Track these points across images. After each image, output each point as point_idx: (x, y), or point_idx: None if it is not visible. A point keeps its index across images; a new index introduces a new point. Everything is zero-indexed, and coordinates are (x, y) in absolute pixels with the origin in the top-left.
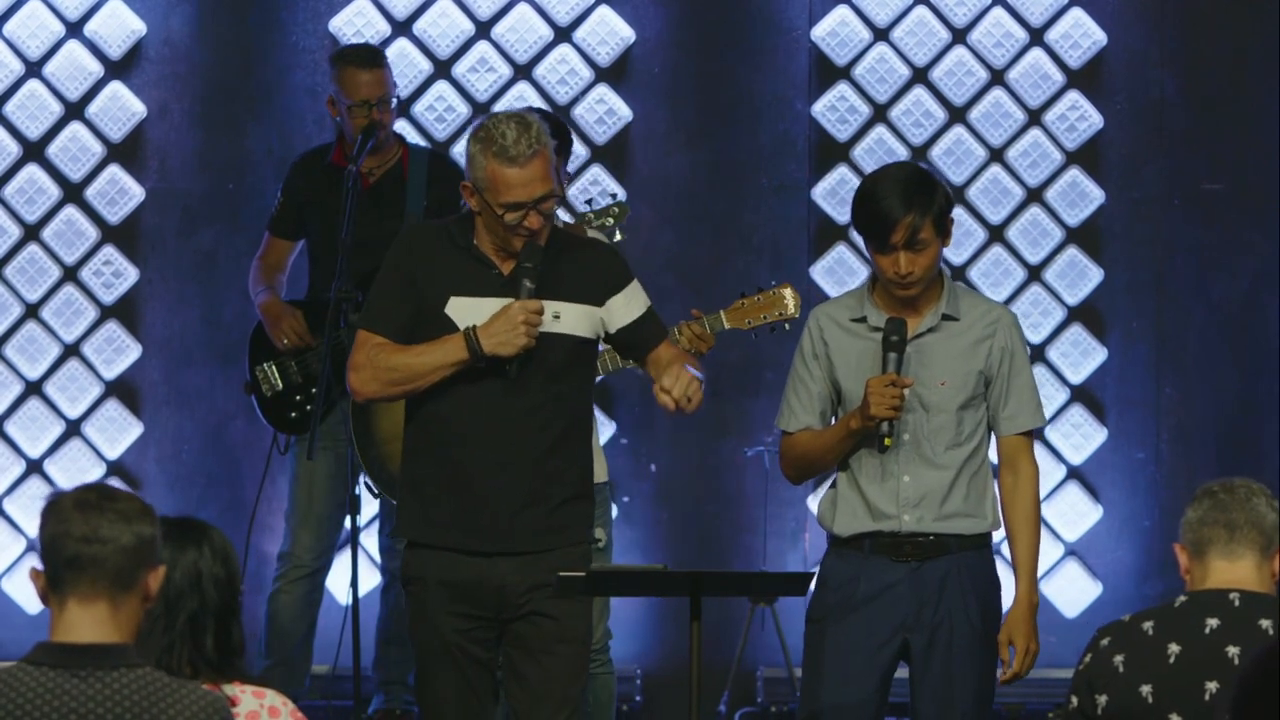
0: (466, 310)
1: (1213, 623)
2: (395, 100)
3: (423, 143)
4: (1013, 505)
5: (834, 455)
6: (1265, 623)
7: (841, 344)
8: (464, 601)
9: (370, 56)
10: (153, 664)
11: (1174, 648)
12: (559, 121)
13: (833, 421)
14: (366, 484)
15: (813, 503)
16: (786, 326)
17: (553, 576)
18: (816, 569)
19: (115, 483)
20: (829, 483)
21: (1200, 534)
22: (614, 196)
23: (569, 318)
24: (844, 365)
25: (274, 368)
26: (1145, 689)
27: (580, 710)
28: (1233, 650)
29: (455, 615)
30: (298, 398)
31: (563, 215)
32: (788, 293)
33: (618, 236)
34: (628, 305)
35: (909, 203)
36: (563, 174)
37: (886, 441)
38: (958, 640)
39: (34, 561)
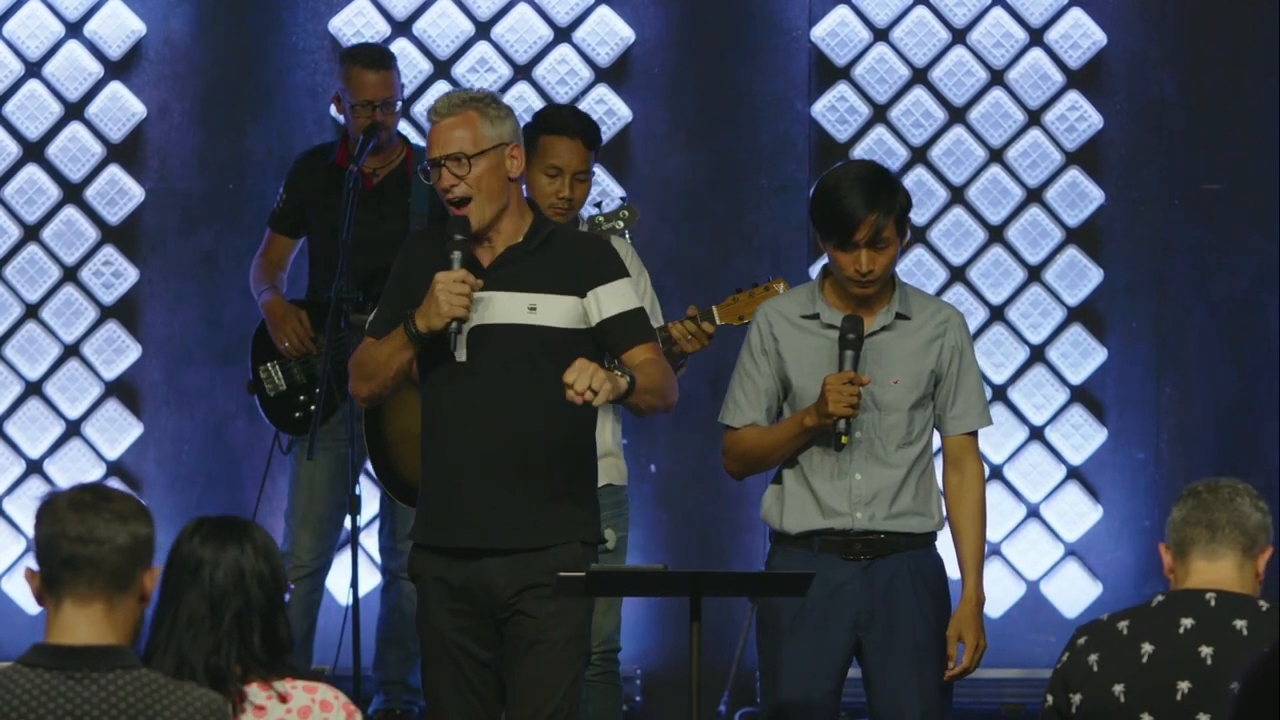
0: None
1: (1187, 623)
2: (399, 103)
3: (423, 143)
4: (959, 504)
5: (784, 452)
6: (1240, 623)
7: (793, 340)
8: (460, 600)
9: (379, 58)
10: (202, 665)
11: (1147, 647)
12: (588, 119)
13: (778, 418)
14: (382, 489)
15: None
16: None
17: (540, 578)
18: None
19: (115, 483)
20: (772, 479)
21: (1183, 534)
22: (624, 199)
23: (545, 309)
24: (795, 362)
25: (277, 367)
26: (1118, 688)
27: (565, 714)
28: (1205, 650)
29: (453, 614)
30: (301, 398)
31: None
32: (781, 287)
33: (627, 239)
34: (610, 300)
35: (873, 201)
36: (590, 167)
37: (844, 440)
38: (913, 637)
39: (34, 562)
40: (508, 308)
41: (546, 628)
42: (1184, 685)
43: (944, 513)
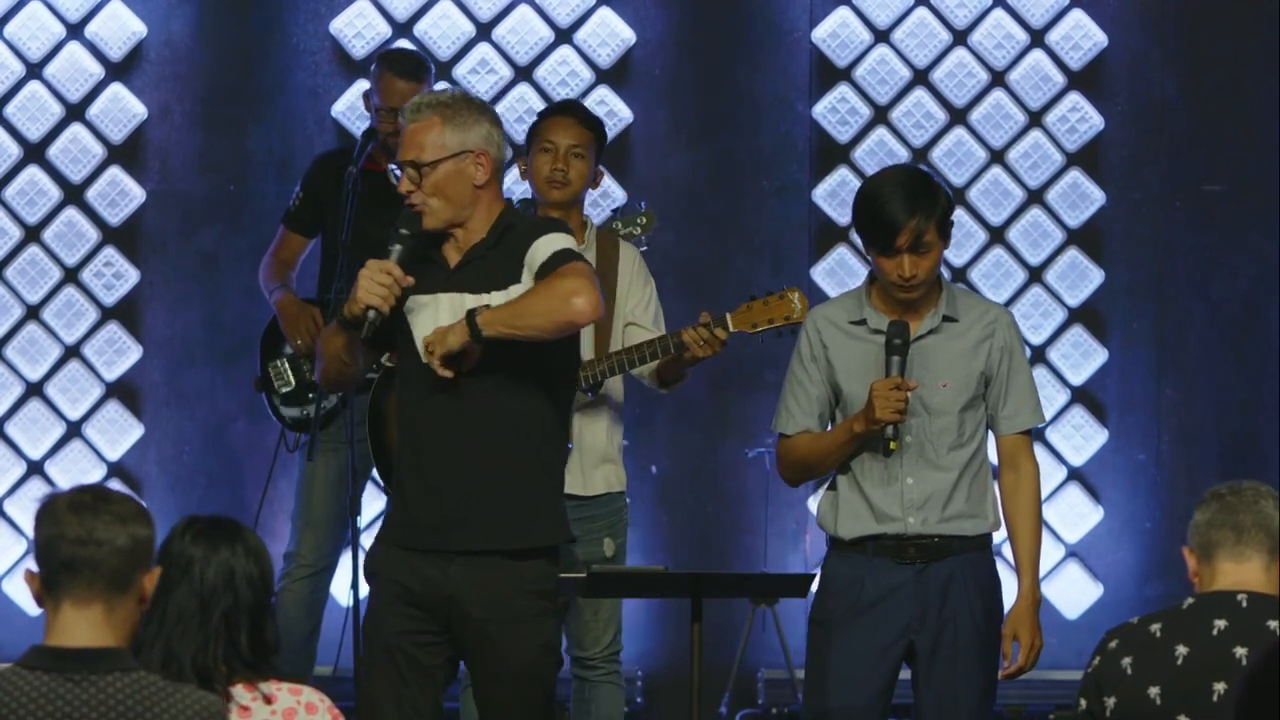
0: (417, 307)
1: (1220, 624)
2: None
3: None
4: (1015, 503)
5: (836, 458)
6: (1273, 624)
7: (841, 346)
8: (414, 605)
9: (412, 70)
10: (190, 662)
11: (1182, 649)
12: (597, 117)
13: (830, 425)
14: (383, 489)
15: (813, 504)
16: (792, 332)
17: (502, 597)
18: (818, 570)
19: (116, 484)
20: (827, 484)
21: (1208, 536)
22: (642, 204)
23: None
24: (844, 368)
25: (287, 365)
26: (1153, 691)
27: None
28: (1240, 651)
29: (403, 616)
30: (310, 395)
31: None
32: (795, 297)
33: (644, 247)
34: (539, 253)
35: (914, 206)
36: (593, 170)
37: (892, 445)
38: (963, 641)
39: (34, 563)
40: (463, 309)
41: (514, 651)
42: (1220, 686)
43: (1000, 514)
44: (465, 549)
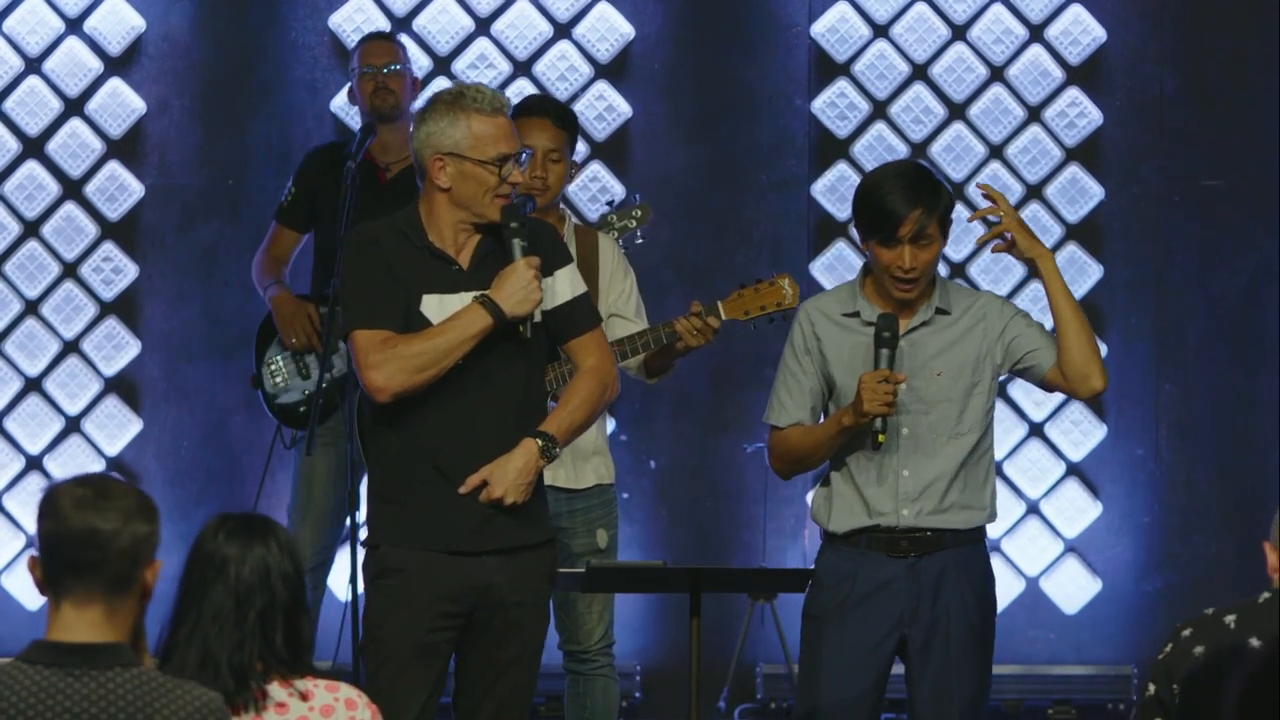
0: (437, 308)
1: None
2: (410, 80)
3: None
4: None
5: (825, 451)
6: None
7: (834, 338)
8: (445, 600)
9: (384, 33)
10: (226, 661)
11: (1254, 642)
12: (558, 101)
13: (823, 417)
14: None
15: (811, 499)
16: (785, 318)
17: (533, 583)
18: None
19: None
20: (821, 480)
21: None
22: (637, 197)
23: None
24: (837, 360)
25: (284, 361)
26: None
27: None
28: None
29: (439, 614)
30: (306, 392)
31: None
32: (786, 283)
33: (640, 240)
34: (569, 283)
35: (917, 198)
36: (569, 166)
37: (880, 438)
38: (955, 635)
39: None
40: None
41: (537, 633)
42: None
43: (996, 506)
44: (497, 548)
